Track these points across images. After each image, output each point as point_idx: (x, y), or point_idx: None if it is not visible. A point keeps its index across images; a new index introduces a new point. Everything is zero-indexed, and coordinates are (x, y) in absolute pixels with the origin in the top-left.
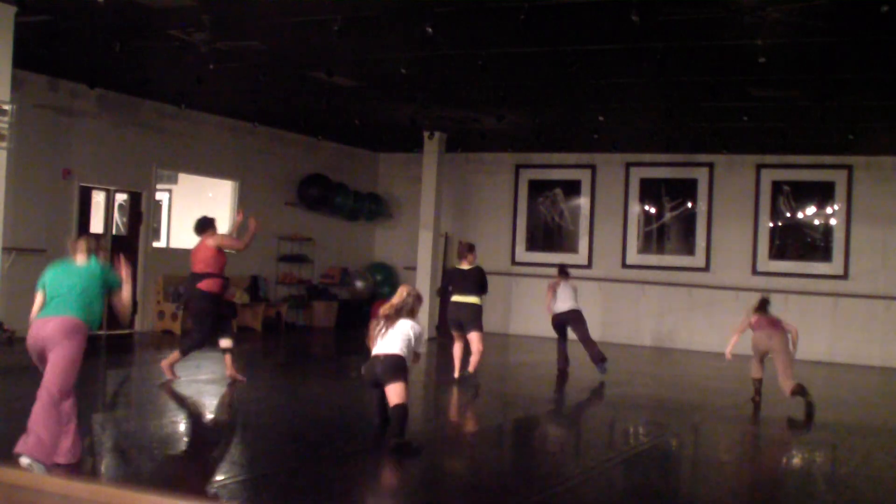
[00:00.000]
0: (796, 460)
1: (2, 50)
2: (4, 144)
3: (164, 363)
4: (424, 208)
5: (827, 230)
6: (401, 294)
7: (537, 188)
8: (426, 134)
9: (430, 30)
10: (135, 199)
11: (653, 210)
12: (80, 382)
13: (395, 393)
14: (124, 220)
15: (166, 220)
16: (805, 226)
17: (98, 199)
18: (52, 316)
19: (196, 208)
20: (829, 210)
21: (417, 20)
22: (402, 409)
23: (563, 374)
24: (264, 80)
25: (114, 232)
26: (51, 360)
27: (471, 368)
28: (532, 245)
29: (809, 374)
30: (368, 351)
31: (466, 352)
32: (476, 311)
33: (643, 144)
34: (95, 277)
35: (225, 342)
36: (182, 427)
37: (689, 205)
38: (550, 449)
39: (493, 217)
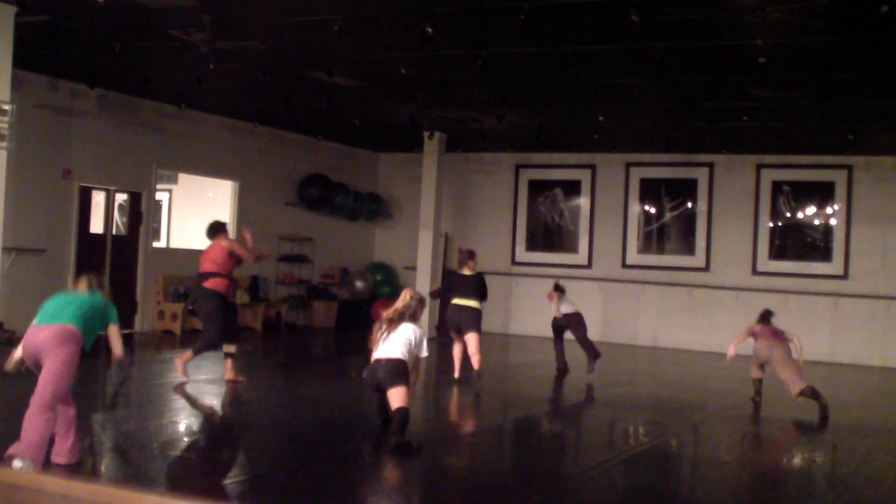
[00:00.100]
0: (796, 460)
1: (2, 50)
2: (4, 144)
3: (178, 363)
4: (424, 208)
5: (827, 230)
6: (404, 298)
7: (537, 188)
8: (426, 134)
9: (430, 30)
10: (135, 199)
11: (653, 210)
12: (81, 382)
13: (396, 397)
14: (124, 220)
15: (166, 220)
16: (805, 226)
17: (98, 199)
18: (46, 324)
19: (196, 208)
20: (829, 210)
21: (417, 20)
22: (404, 411)
23: (562, 375)
24: (264, 80)
25: (114, 232)
26: (44, 367)
27: (475, 367)
28: (532, 245)
29: (809, 374)
30: (369, 353)
31: (466, 353)
32: (475, 314)
33: (643, 144)
34: (97, 307)
35: (228, 347)
36: (182, 427)
37: (689, 205)
38: (550, 449)
39: (493, 217)
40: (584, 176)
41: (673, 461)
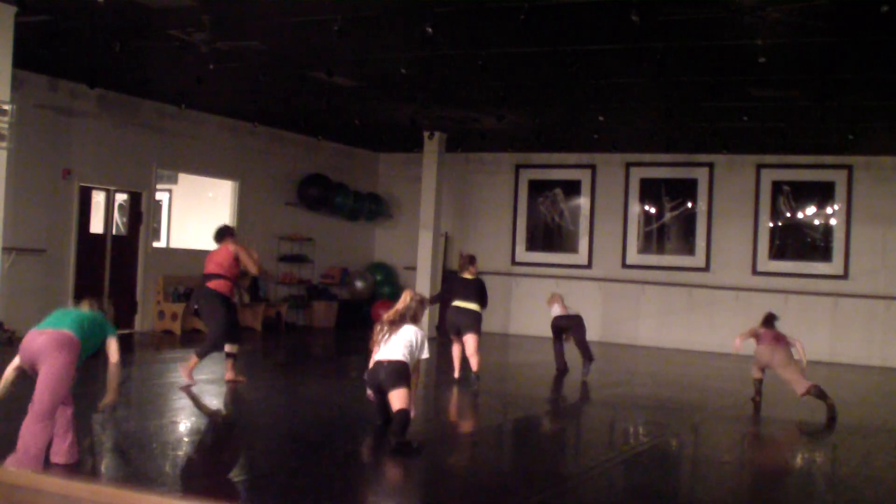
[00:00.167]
0: (796, 460)
1: (2, 50)
2: (4, 144)
3: (184, 371)
4: (424, 208)
5: (827, 230)
6: (404, 299)
7: (537, 188)
8: (426, 134)
9: (430, 30)
10: (135, 199)
11: (653, 210)
12: (81, 382)
13: (398, 398)
14: (124, 220)
15: (166, 220)
16: (805, 226)
17: (98, 199)
18: (45, 329)
19: (196, 208)
20: (829, 210)
21: (417, 20)
22: (405, 413)
23: (562, 375)
24: (264, 80)
25: (114, 232)
26: (41, 373)
27: (474, 369)
28: (532, 245)
29: (810, 375)
30: (370, 354)
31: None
32: (476, 316)
33: (643, 144)
34: (96, 321)
35: (230, 347)
36: (182, 427)
37: (689, 205)
38: (550, 449)
39: (493, 217)
40: (584, 176)
41: (673, 461)
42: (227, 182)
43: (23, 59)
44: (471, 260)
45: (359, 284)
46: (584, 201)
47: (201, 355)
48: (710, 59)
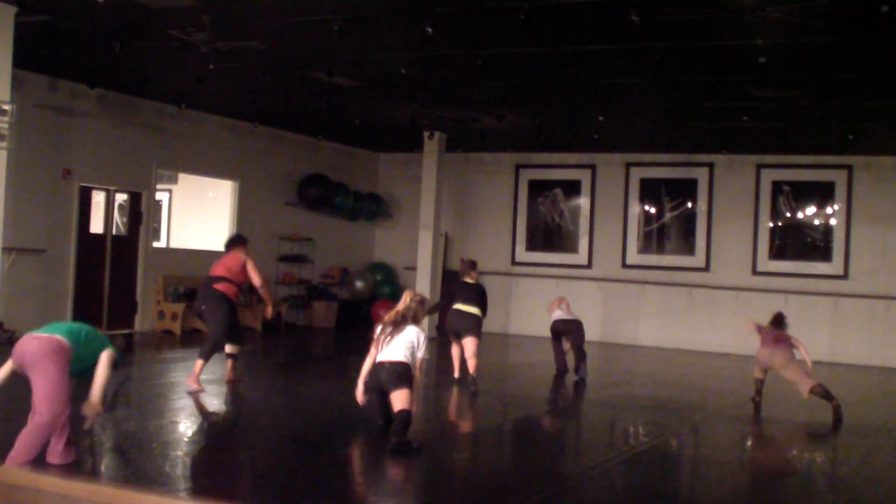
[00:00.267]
0: (796, 460)
1: (2, 50)
2: (4, 144)
3: (190, 379)
4: (424, 208)
5: (827, 230)
6: (405, 300)
7: (537, 188)
8: (426, 134)
9: (430, 30)
10: (135, 199)
11: (653, 210)
12: (80, 383)
13: (399, 399)
14: (124, 220)
15: (166, 220)
16: (805, 226)
17: (98, 199)
18: (39, 334)
19: (196, 208)
20: (829, 210)
21: (417, 20)
22: (406, 413)
23: (561, 375)
24: (264, 80)
25: (114, 232)
26: (36, 383)
27: (471, 371)
28: (532, 245)
29: None
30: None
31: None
32: (476, 320)
33: (643, 144)
34: (91, 334)
35: (230, 347)
36: (182, 427)
37: (689, 205)
38: (550, 449)
39: (493, 217)
40: (584, 176)
41: (673, 461)
42: (227, 182)
43: (23, 59)
44: (472, 265)
45: (359, 284)
46: (584, 201)
47: (205, 356)
48: (710, 59)
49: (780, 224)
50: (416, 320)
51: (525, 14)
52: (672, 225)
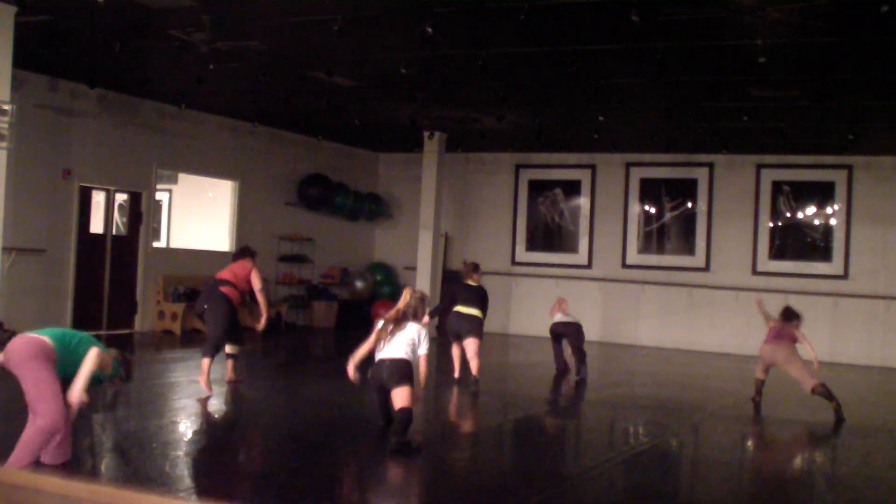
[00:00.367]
0: (796, 460)
1: (2, 50)
2: (4, 144)
3: (202, 381)
4: (424, 208)
5: (827, 230)
6: (405, 298)
7: (537, 188)
8: (426, 134)
9: (430, 30)
10: (135, 199)
11: (653, 210)
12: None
13: (400, 397)
14: (124, 220)
15: (166, 220)
16: (805, 226)
17: (98, 199)
18: (28, 334)
19: (196, 208)
20: (829, 210)
21: (417, 20)
22: (407, 412)
23: (561, 375)
24: (264, 80)
25: (114, 232)
26: (25, 386)
27: (474, 372)
28: (532, 245)
29: None
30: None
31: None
32: (477, 322)
33: (643, 144)
34: (90, 341)
35: (231, 348)
36: (182, 427)
37: (689, 205)
38: (550, 449)
39: (493, 217)
40: (584, 176)
41: (673, 461)
42: (227, 182)
43: (23, 59)
44: (474, 267)
45: (359, 284)
46: (584, 201)
47: (208, 354)
48: (710, 59)
49: (780, 224)
50: (416, 317)
51: (525, 14)
52: (672, 225)
